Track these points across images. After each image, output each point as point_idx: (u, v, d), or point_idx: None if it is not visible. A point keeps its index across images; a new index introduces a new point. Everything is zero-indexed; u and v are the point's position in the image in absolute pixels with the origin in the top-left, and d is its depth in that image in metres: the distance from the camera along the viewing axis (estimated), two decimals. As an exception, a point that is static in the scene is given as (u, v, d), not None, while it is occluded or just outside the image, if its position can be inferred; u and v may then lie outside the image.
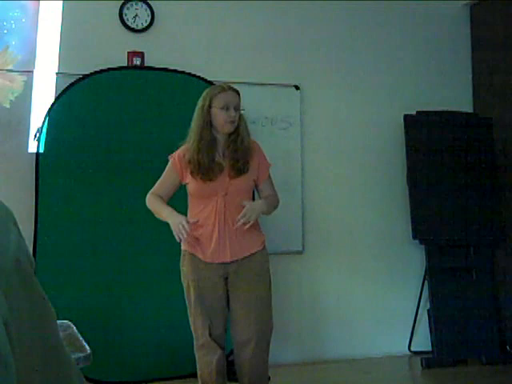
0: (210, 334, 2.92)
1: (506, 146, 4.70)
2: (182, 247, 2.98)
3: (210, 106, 2.89)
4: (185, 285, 2.96)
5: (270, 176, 3.05)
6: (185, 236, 2.75)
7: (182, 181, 2.96)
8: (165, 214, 2.87)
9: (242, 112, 3.03)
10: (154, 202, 2.95)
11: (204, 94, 2.98)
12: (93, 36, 4.16)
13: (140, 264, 4.02)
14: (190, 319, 2.96)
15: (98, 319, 3.85)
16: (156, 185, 3.01)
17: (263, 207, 2.89)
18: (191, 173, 2.88)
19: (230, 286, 2.93)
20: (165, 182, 2.99)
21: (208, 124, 2.88)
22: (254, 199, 3.23)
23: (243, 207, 2.82)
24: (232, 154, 2.89)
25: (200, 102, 2.95)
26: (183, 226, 2.73)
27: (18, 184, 3.91)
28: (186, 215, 2.90)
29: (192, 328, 2.97)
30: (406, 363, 4.57)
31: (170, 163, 3.00)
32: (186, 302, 2.96)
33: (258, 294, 2.91)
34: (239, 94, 2.96)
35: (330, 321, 4.56)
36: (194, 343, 2.98)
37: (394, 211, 4.70)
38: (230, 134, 2.91)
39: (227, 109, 2.86)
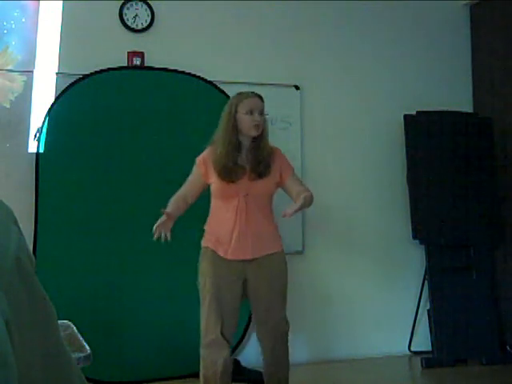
0: (222, 332, 2.97)
1: (506, 146, 4.70)
2: (203, 244, 3.10)
3: (236, 112, 3.03)
4: (201, 281, 3.05)
5: (295, 175, 3.17)
6: (158, 232, 3.01)
7: (207, 181, 3.10)
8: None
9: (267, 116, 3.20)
10: (171, 202, 3.12)
11: (230, 101, 3.15)
12: (93, 36, 4.15)
13: (140, 264, 4.02)
14: (202, 316, 3.03)
15: (98, 319, 3.85)
16: (182, 185, 3.16)
17: (310, 202, 3.02)
18: (216, 175, 3.02)
19: (249, 286, 3.04)
20: (190, 182, 3.15)
21: (234, 129, 3.02)
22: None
23: (295, 202, 2.95)
24: (254, 157, 3.03)
25: (226, 109, 3.09)
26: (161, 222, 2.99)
27: (18, 184, 3.91)
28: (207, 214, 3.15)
29: (202, 325, 3.02)
30: (406, 363, 4.57)
31: (195, 164, 3.14)
32: (201, 298, 3.05)
33: (277, 294, 3.04)
34: (263, 100, 3.10)
35: (330, 321, 4.56)
36: (201, 341, 3.02)
37: (394, 211, 4.70)
38: (254, 138, 3.05)
39: (251, 113, 3.01)
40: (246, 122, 3.00)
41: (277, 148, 3.18)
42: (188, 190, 3.14)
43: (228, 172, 2.98)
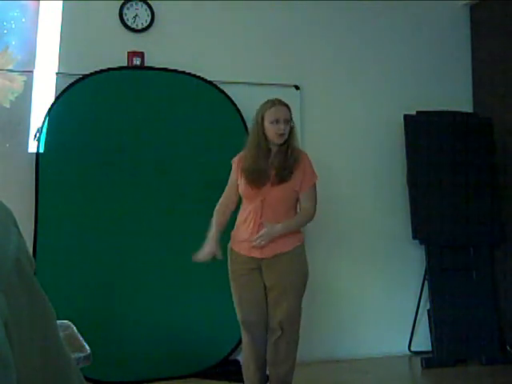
0: (243, 322, 3.20)
1: (506, 146, 4.70)
2: (229, 243, 3.29)
3: (262, 121, 3.14)
4: (229, 276, 3.27)
5: (312, 188, 3.24)
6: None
7: (238, 181, 3.26)
8: (210, 234, 3.23)
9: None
10: (214, 219, 3.26)
11: (258, 109, 3.26)
12: (93, 36, 4.15)
13: (140, 264, 4.02)
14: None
15: (98, 319, 3.85)
16: (223, 193, 3.31)
17: (280, 231, 3.12)
18: (242, 177, 3.18)
19: (263, 277, 3.19)
20: (229, 186, 3.31)
21: (263, 137, 3.16)
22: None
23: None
24: (280, 163, 3.14)
25: (255, 117, 3.23)
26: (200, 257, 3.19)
27: (18, 184, 3.91)
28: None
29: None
30: (406, 363, 4.57)
31: (232, 166, 3.28)
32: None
33: (285, 290, 3.15)
34: (289, 108, 3.22)
35: (330, 321, 4.56)
36: None
37: (394, 211, 4.69)
38: (281, 145, 3.17)
39: (277, 122, 3.13)
40: (271, 132, 3.13)
41: (304, 154, 3.27)
42: (227, 196, 3.29)
43: (255, 178, 3.13)
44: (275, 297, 3.17)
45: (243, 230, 3.19)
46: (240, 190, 3.23)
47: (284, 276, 3.16)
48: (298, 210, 3.29)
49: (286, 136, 3.16)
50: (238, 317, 3.24)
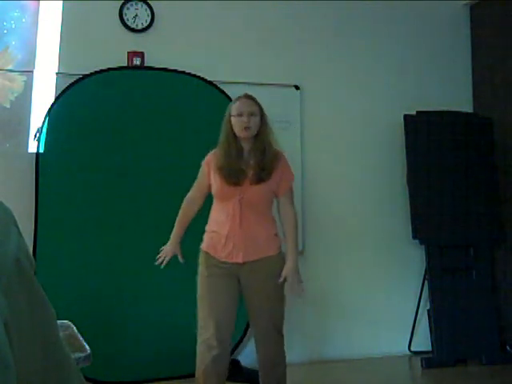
0: (216, 332, 2.93)
1: (506, 146, 4.70)
2: (201, 246, 3.11)
3: (230, 116, 3.03)
4: (198, 281, 3.06)
5: (290, 190, 3.11)
6: (161, 263, 3.12)
7: (209, 182, 3.10)
8: (172, 233, 3.18)
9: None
10: (179, 215, 3.19)
11: (228, 104, 3.15)
12: (93, 36, 4.16)
13: (140, 264, 4.02)
14: (198, 315, 3.02)
15: (98, 319, 3.85)
16: (189, 193, 3.19)
17: (296, 257, 3.04)
18: (216, 175, 3.03)
19: (243, 286, 3.02)
20: (197, 184, 3.17)
21: (231, 133, 3.02)
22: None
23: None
24: (257, 161, 2.99)
25: (226, 113, 3.10)
26: (164, 258, 3.12)
27: (18, 184, 3.91)
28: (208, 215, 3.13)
29: (198, 324, 3.02)
30: (406, 363, 4.57)
31: (201, 167, 3.15)
32: (197, 297, 3.05)
33: (269, 295, 3.00)
34: (255, 101, 3.06)
35: (330, 321, 4.56)
36: (197, 339, 3.00)
37: (394, 211, 4.70)
38: (254, 142, 3.02)
39: (240, 115, 2.99)
40: (235, 125, 2.99)
41: (281, 153, 3.09)
42: (194, 192, 3.16)
43: (229, 176, 2.97)
44: (259, 302, 2.99)
45: (222, 233, 2.99)
46: (214, 191, 3.05)
47: (269, 280, 2.99)
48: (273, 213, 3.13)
49: (253, 131, 2.99)
50: (206, 332, 2.92)
